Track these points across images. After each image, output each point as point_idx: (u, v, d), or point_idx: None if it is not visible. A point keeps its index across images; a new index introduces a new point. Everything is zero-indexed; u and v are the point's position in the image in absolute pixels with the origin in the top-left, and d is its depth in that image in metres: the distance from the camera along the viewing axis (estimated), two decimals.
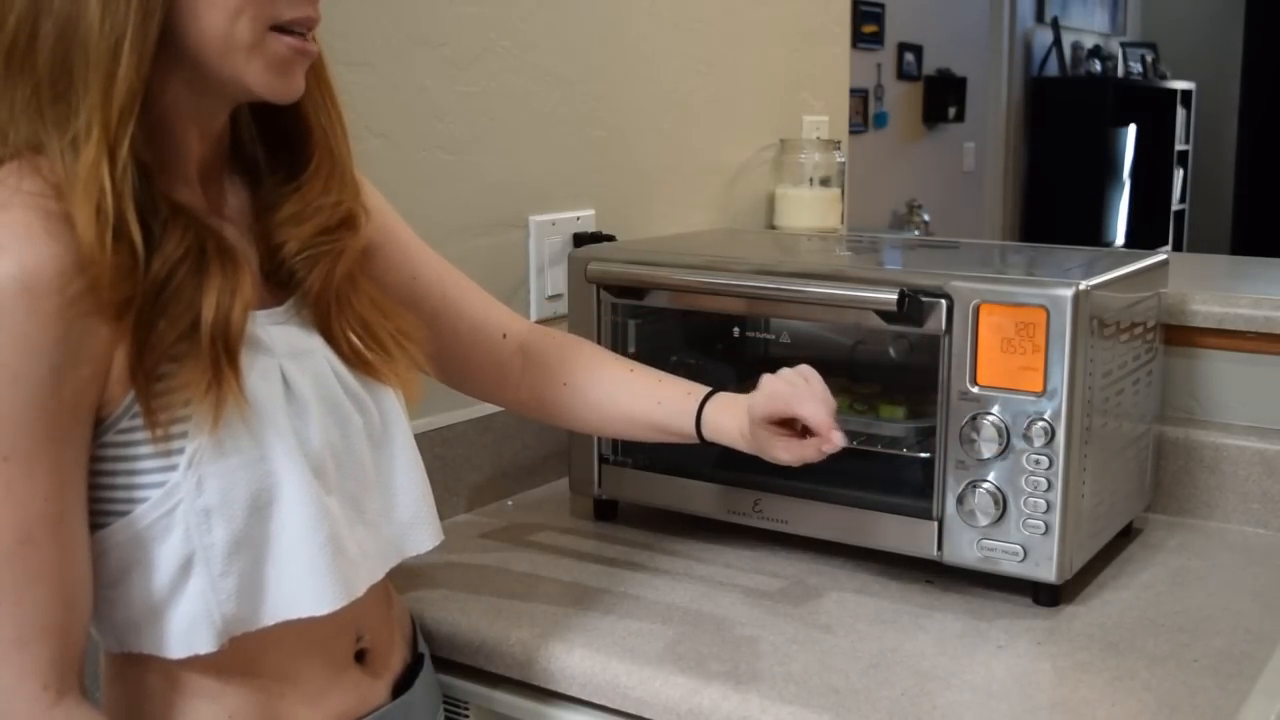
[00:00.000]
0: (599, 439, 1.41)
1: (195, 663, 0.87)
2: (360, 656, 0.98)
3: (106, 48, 0.79)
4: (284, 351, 0.90)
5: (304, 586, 0.87)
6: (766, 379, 1.11)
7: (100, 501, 0.84)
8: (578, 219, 1.66)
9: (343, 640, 0.96)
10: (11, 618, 0.78)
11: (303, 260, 0.93)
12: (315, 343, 0.94)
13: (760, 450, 1.11)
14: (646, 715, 1.06)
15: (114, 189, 0.79)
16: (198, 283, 0.83)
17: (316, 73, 0.93)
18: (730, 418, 1.13)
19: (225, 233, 0.89)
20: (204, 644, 0.85)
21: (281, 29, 0.85)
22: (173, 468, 0.82)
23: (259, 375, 0.87)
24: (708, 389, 1.16)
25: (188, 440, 0.82)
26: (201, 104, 0.87)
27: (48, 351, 0.77)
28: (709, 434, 1.14)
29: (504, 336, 1.19)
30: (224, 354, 0.83)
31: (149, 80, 0.81)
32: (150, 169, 0.83)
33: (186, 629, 0.85)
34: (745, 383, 1.43)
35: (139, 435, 0.82)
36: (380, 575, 0.96)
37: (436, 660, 1.13)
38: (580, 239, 1.63)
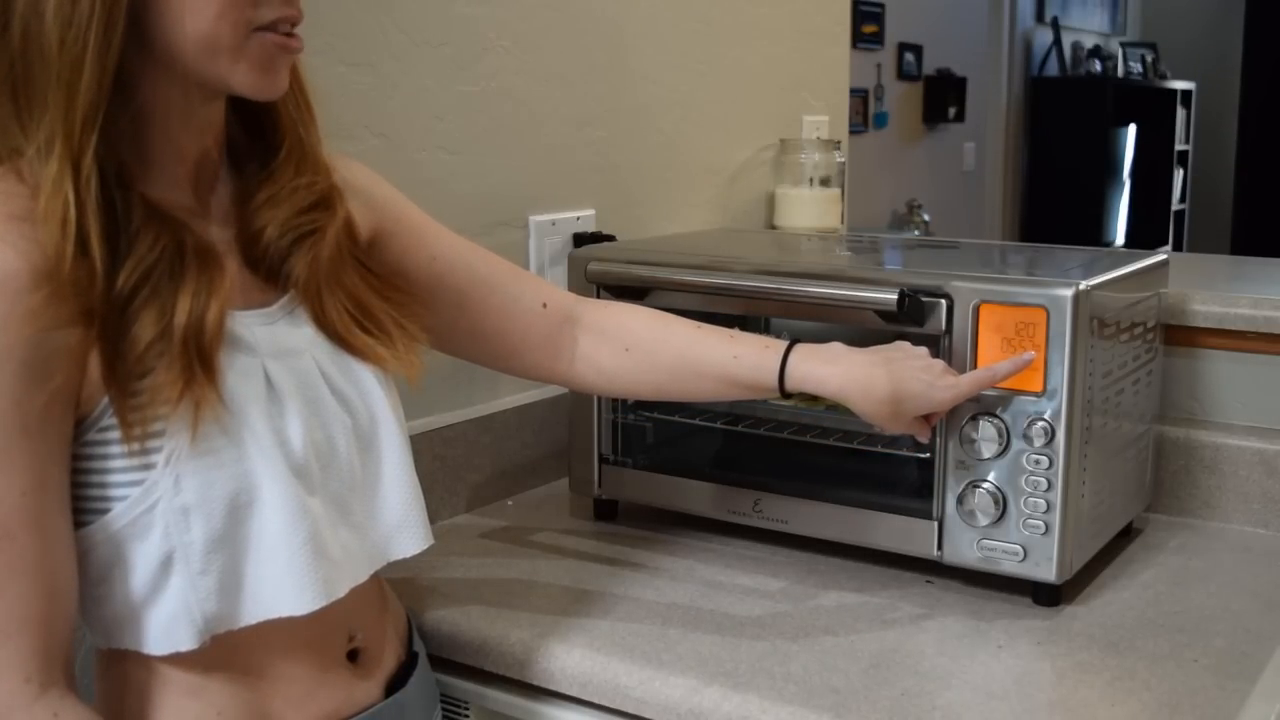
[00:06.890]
0: (599, 439, 1.41)
1: (182, 660, 0.87)
2: (353, 656, 0.98)
3: (67, 61, 0.79)
4: (268, 351, 0.90)
5: (283, 586, 0.87)
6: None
7: (82, 500, 0.84)
8: (578, 219, 1.66)
9: (334, 639, 0.96)
10: None
11: (284, 243, 0.93)
12: (304, 341, 0.94)
13: (882, 407, 1.11)
14: (646, 715, 1.06)
15: (77, 201, 0.79)
16: (173, 288, 0.83)
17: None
18: (824, 364, 1.11)
19: (209, 233, 0.89)
20: (184, 641, 0.85)
21: (263, 28, 0.85)
22: (150, 466, 0.83)
23: (239, 374, 0.87)
24: (787, 341, 1.13)
25: (164, 441, 0.83)
26: (190, 99, 0.88)
27: (19, 349, 0.78)
28: (794, 383, 1.12)
29: (544, 307, 1.15)
30: (197, 358, 0.83)
31: (133, 80, 0.82)
32: (130, 170, 0.84)
33: (167, 626, 0.85)
34: None
35: (116, 434, 0.83)
36: (364, 577, 0.95)
37: (436, 660, 1.13)
38: (580, 239, 1.63)
